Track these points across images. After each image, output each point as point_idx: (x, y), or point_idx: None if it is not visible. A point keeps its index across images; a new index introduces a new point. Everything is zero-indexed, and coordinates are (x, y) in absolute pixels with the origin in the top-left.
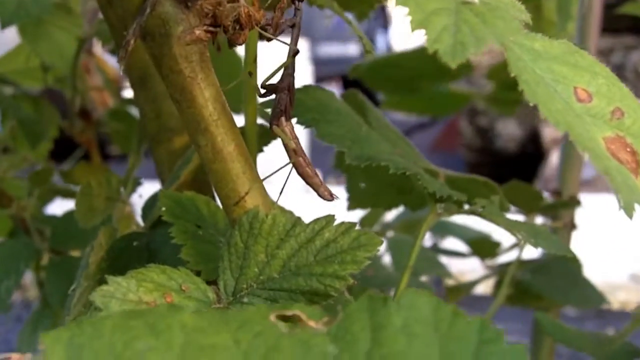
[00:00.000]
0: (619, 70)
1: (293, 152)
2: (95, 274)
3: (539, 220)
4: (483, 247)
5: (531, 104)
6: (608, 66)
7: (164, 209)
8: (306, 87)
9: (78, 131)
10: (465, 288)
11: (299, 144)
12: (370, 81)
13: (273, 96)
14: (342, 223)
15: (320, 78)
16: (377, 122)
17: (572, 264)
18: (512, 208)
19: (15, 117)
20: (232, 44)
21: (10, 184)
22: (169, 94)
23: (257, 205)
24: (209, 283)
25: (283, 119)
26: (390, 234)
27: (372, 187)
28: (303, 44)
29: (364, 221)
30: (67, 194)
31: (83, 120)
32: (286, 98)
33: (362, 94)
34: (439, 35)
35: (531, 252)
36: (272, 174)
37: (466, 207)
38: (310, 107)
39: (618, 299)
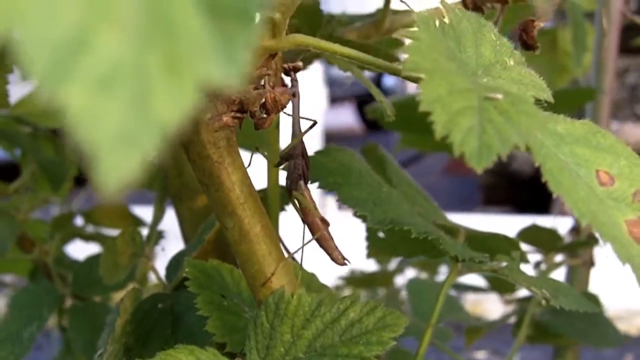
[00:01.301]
0: (634, 91)
1: (311, 215)
2: (120, 337)
3: (558, 258)
4: (502, 282)
5: (555, 195)
6: (623, 87)
7: (189, 278)
8: (328, 149)
9: None
10: (483, 328)
11: (316, 207)
12: (386, 122)
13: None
14: (368, 302)
15: (334, 99)
16: (396, 177)
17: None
18: (531, 248)
19: (35, 160)
20: (258, 127)
21: (31, 226)
22: (197, 177)
23: (283, 285)
24: (234, 355)
25: (302, 183)
26: (409, 271)
27: (390, 237)
28: (317, 66)
29: (381, 257)
30: (87, 237)
31: None
32: (302, 163)
33: (381, 147)
34: (464, 137)
35: None
36: (297, 250)
37: (488, 264)
38: (332, 170)
39: (636, 325)
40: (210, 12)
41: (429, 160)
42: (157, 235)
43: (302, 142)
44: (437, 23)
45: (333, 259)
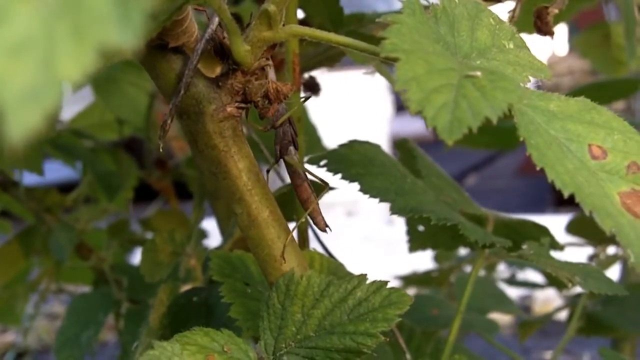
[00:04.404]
0: None
1: (300, 179)
2: (157, 330)
3: (612, 249)
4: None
5: (538, 168)
6: None
7: (214, 268)
8: (351, 142)
9: (155, 179)
10: (537, 322)
11: (305, 171)
12: None
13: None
14: (374, 282)
15: (400, 107)
16: (426, 169)
17: None
18: (581, 240)
19: (92, 171)
20: (262, 116)
21: (91, 235)
22: (207, 167)
23: (292, 267)
24: (257, 339)
25: (292, 148)
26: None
27: (429, 230)
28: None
29: (438, 255)
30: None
31: (159, 169)
32: (290, 130)
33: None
34: (437, 113)
35: None
36: (297, 225)
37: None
38: (354, 162)
39: None
40: None
41: (502, 162)
42: (198, 235)
43: (286, 111)
44: (430, 9)
45: (315, 223)
